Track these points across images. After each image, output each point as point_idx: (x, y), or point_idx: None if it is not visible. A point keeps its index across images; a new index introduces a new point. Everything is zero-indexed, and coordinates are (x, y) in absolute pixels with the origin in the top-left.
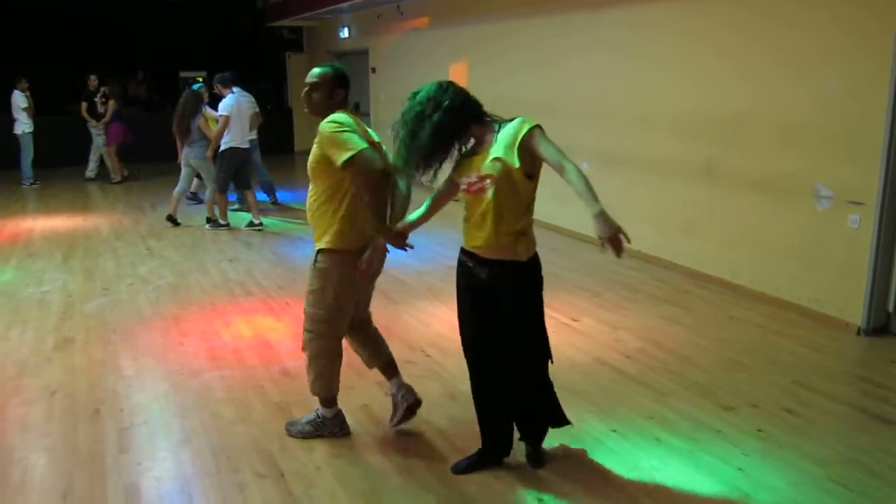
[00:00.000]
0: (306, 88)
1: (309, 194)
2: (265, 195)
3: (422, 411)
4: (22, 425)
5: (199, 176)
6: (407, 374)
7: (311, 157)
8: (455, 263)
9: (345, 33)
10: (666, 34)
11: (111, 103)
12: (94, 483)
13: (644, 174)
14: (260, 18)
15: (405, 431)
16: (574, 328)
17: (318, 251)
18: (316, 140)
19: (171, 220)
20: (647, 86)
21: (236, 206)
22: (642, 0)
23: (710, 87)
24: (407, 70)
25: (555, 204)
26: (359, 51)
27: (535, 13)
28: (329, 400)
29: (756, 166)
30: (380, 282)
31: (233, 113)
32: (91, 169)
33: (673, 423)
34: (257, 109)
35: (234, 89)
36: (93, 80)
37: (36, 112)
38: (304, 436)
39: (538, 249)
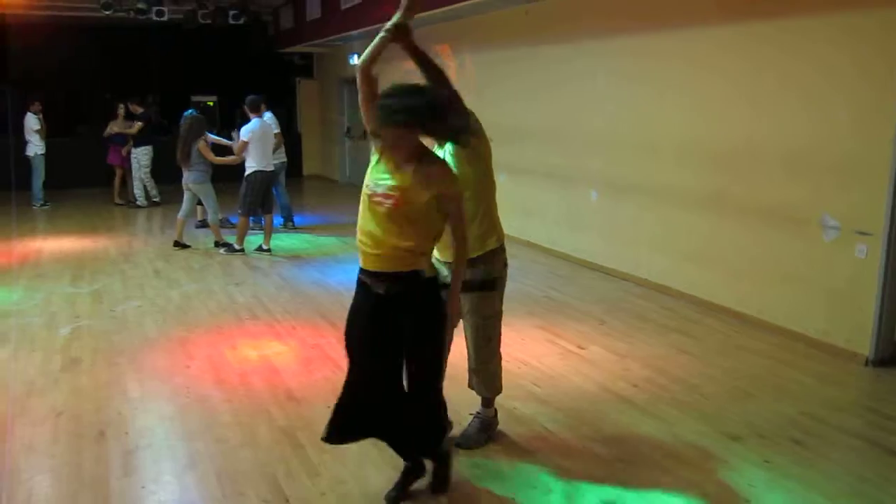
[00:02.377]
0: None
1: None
2: (280, 218)
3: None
4: (28, 446)
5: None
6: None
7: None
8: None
9: (354, 60)
10: (672, 63)
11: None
12: None
13: (651, 202)
14: (271, 44)
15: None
16: (581, 356)
17: (490, 251)
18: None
19: (179, 244)
20: (653, 114)
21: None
22: (649, 29)
23: (716, 115)
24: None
25: (561, 231)
26: None
27: (542, 41)
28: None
29: (762, 195)
30: None
31: (253, 138)
32: (140, 196)
33: (679, 453)
34: (278, 130)
35: (266, 114)
36: (121, 110)
37: (48, 134)
38: (481, 444)
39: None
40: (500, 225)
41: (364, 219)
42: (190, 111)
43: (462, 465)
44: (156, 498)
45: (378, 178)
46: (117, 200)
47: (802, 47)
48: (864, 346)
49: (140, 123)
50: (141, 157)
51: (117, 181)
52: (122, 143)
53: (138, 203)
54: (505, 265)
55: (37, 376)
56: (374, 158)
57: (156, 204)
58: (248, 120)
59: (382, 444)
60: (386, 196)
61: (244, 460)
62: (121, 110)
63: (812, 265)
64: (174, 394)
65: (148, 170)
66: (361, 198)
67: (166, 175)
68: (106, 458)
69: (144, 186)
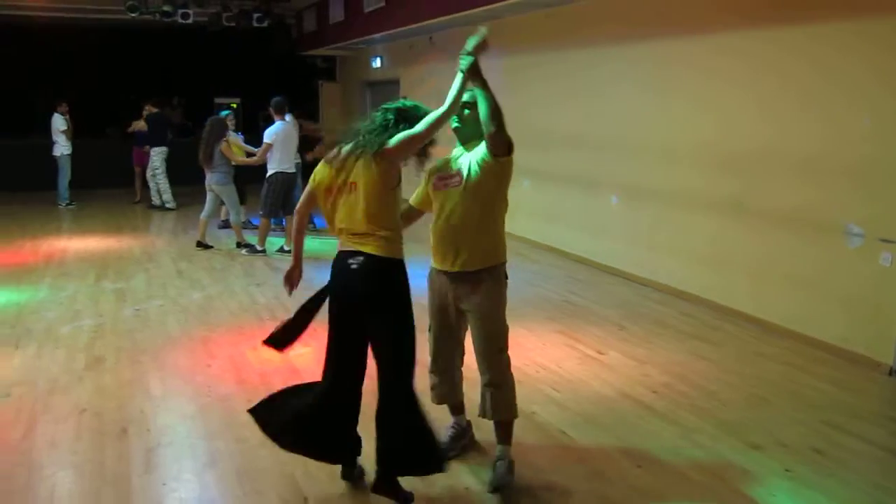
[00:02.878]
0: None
1: (462, 216)
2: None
3: (446, 441)
4: (51, 442)
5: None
6: (430, 405)
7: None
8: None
9: (377, 63)
10: (693, 69)
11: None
12: (121, 502)
13: (671, 208)
14: (294, 47)
15: None
16: (600, 361)
17: (498, 266)
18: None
19: (202, 245)
20: (674, 119)
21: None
22: (670, 35)
23: (736, 121)
24: (437, 99)
25: (581, 235)
26: (390, 80)
27: (564, 46)
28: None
29: (784, 202)
30: None
31: (277, 140)
32: (168, 200)
33: (699, 461)
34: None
35: (287, 116)
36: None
37: (74, 135)
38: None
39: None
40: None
41: None
42: (226, 112)
43: (479, 468)
44: (176, 495)
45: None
46: (137, 199)
47: (822, 54)
48: (886, 354)
49: (140, 122)
50: (154, 159)
51: (138, 181)
52: (143, 144)
53: (153, 203)
54: (506, 278)
55: (60, 374)
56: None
57: (168, 210)
58: (270, 122)
59: None
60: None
61: (263, 459)
62: (145, 111)
63: (834, 272)
64: (195, 393)
65: (159, 171)
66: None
67: (189, 176)
68: (128, 455)
69: (158, 189)
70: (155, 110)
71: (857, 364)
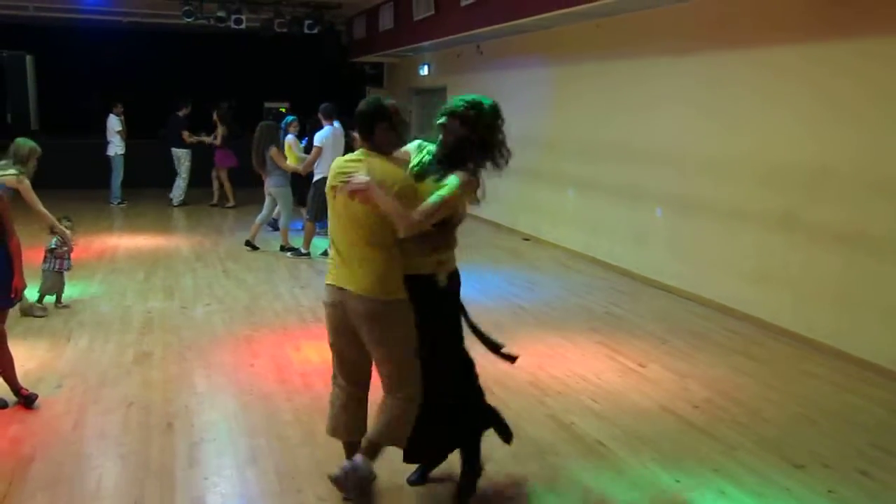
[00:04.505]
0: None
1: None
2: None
3: (485, 449)
4: (100, 433)
5: None
6: None
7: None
8: (521, 302)
9: (425, 70)
10: (743, 82)
11: (221, 129)
12: (164, 494)
13: (716, 222)
14: (344, 54)
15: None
16: (641, 374)
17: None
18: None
19: (250, 245)
20: (723, 133)
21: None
22: (721, 48)
23: (784, 136)
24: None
25: (625, 247)
26: (437, 88)
27: (612, 56)
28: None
29: (840, 218)
30: None
31: (326, 144)
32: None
33: (739, 478)
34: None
35: (335, 122)
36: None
37: (128, 136)
38: None
39: None
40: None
41: None
42: (291, 118)
43: (518, 477)
44: (217, 490)
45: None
46: (214, 202)
47: (880, 68)
48: None
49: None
50: (181, 158)
51: (215, 183)
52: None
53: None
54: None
55: (110, 367)
56: None
57: (183, 204)
58: (319, 127)
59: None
60: None
61: (303, 458)
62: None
63: (883, 290)
64: (238, 390)
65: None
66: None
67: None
68: (172, 448)
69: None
70: (186, 111)
71: None
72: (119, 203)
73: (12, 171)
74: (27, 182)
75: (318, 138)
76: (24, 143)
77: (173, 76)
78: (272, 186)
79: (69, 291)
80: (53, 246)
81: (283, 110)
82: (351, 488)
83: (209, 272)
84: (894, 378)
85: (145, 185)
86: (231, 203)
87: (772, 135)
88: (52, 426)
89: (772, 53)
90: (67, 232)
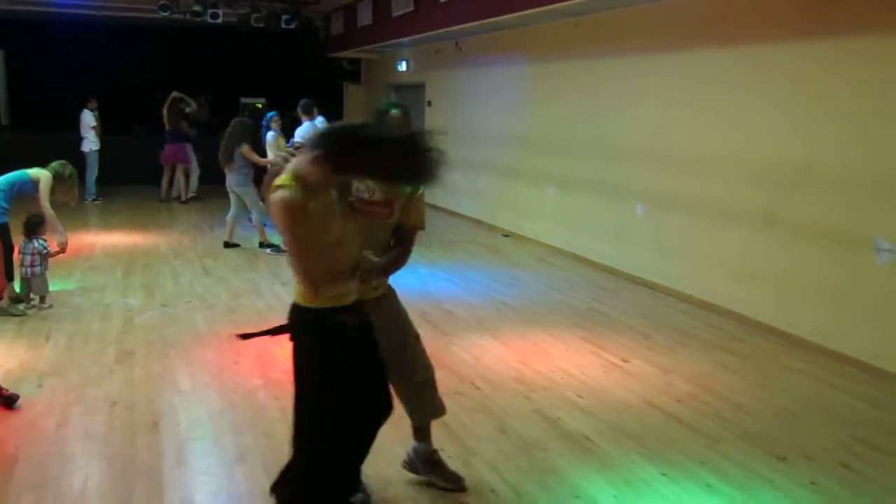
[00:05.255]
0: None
1: (384, 247)
2: None
3: (472, 445)
4: (84, 434)
5: None
6: (457, 406)
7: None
8: (504, 299)
9: (403, 66)
10: (723, 81)
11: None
12: (153, 494)
13: (698, 219)
14: (321, 49)
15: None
16: (624, 369)
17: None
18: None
19: (229, 245)
20: (703, 131)
21: None
22: (702, 46)
23: (766, 134)
24: (462, 104)
25: (606, 244)
26: (416, 84)
27: (592, 55)
28: None
29: (821, 216)
30: (431, 314)
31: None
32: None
33: (724, 470)
34: None
35: (318, 118)
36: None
37: (103, 131)
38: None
39: None
40: None
41: None
42: (272, 113)
43: (506, 472)
44: (207, 489)
45: None
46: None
47: (864, 67)
48: None
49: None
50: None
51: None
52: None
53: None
54: None
55: (91, 366)
56: None
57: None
58: (297, 124)
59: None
60: None
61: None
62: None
63: (868, 289)
64: (223, 389)
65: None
66: None
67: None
68: (159, 448)
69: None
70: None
71: (888, 381)
72: (94, 200)
73: (47, 172)
74: (47, 180)
75: (299, 134)
76: (68, 167)
77: (148, 71)
78: (234, 185)
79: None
80: (46, 250)
81: (260, 106)
82: (421, 468)
83: (188, 270)
84: (875, 373)
85: (120, 182)
86: (185, 197)
87: (754, 132)
88: (35, 426)
89: (754, 50)
90: (65, 236)
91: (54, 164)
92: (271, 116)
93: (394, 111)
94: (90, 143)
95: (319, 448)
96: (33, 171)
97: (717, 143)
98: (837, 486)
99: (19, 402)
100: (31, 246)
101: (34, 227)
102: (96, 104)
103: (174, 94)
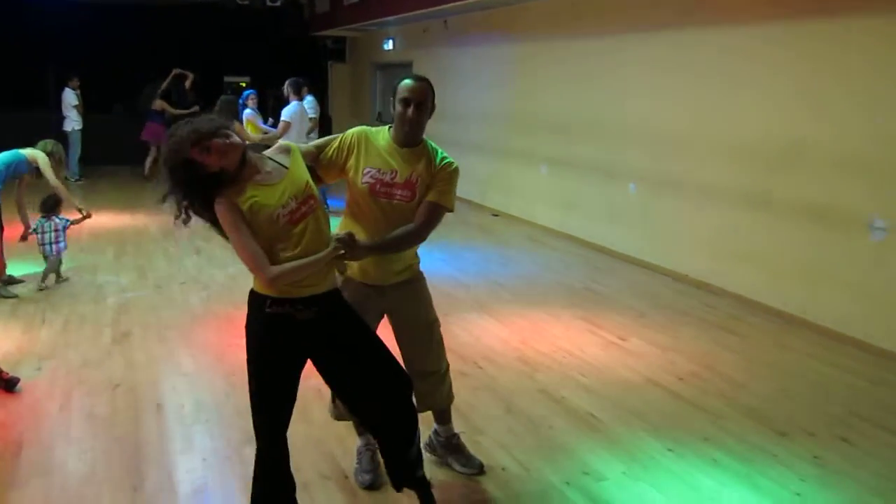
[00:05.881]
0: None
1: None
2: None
3: (480, 424)
4: (88, 416)
5: None
6: (462, 386)
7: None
8: (499, 279)
9: (389, 45)
10: (718, 58)
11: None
12: (163, 478)
13: (694, 198)
14: (305, 28)
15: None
16: (623, 347)
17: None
18: (442, 175)
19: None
20: (697, 109)
21: None
22: (697, 23)
23: (762, 114)
24: (450, 83)
25: (600, 224)
26: (403, 63)
27: (585, 32)
28: None
29: (814, 196)
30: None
31: (294, 120)
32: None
33: (729, 446)
34: (316, 115)
35: (308, 98)
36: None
37: (85, 110)
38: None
39: None
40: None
41: None
42: (249, 91)
43: (515, 450)
44: (217, 471)
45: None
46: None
47: (856, 48)
48: None
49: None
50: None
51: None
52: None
53: None
54: None
55: (89, 348)
56: None
57: None
58: (284, 103)
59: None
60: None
61: (298, 437)
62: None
63: (862, 269)
64: (226, 370)
65: None
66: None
67: None
68: (166, 430)
69: None
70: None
71: (882, 357)
72: (77, 180)
73: (40, 151)
74: (43, 157)
75: (287, 113)
76: (57, 145)
77: (131, 49)
78: None
79: (37, 272)
80: (67, 223)
81: (244, 85)
82: (440, 451)
83: (180, 251)
84: (868, 350)
85: (103, 162)
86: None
87: (743, 113)
88: (38, 410)
89: (750, 28)
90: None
91: (43, 142)
92: (248, 95)
93: (407, 81)
94: (72, 122)
95: (254, 423)
96: (27, 152)
97: (706, 123)
98: (840, 460)
99: (19, 385)
100: (53, 223)
101: (53, 205)
102: (78, 83)
103: (175, 70)
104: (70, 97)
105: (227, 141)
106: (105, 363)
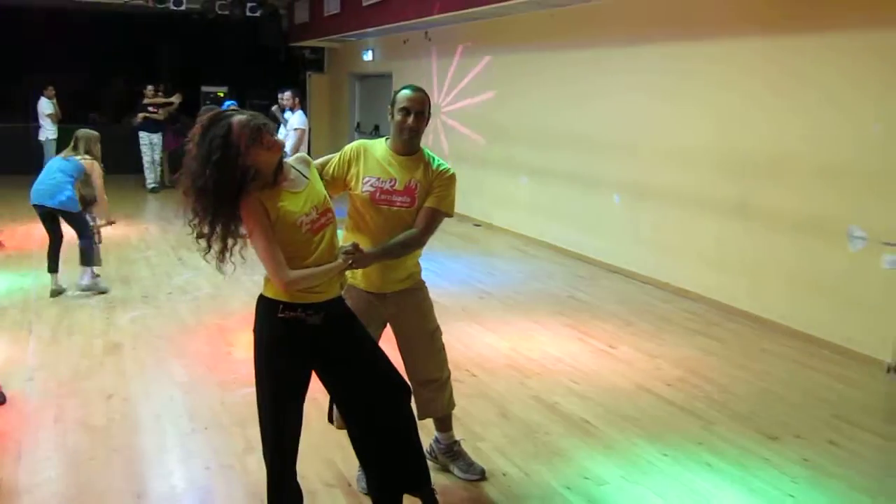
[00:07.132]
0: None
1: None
2: None
3: (477, 430)
4: (84, 427)
5: None
6: (457, 393)
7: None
8: (485, 287)
9: (369, 56)
10: (699, 71)
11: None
12: (166, 486)
13: (675, 208)
14: (284, 38)
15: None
16: (613, 355)
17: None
18: (440, 181)
19: None
20: (677, 121)
21: None
22: (677, 37)
23: (743, 124)
24: (430, 94)
25: (582, 233)
26: (382, 74)
27: (568, 45)
28: None
29: (792, 205)
30: None
31: (307, 127)
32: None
33: (721, 450)
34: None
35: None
36: (149, 91)
37: (61, 120)
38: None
39: None
40: None
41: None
42: (231, 102)
43: (514, 456)
44: (221, 479)
45: None
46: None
47: (834, 61)
48: (886, 353)
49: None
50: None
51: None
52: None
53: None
54: None
55: (80, 359)
56: None
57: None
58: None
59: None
60: None
61: (300, 444)
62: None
63: (840, 275)
64: (221, 379)
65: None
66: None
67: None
68: (165, 439)
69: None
70: None
71: (860, 362)
72: None
73: (87, 156)
74: (99, 167)
75: (300, 121)
76: (85, 132)
77: (109, 58)
78: None
79: (22, 282)
80: (95, 221)
81: (222, 94)
82: (441, 457)
83: (164, 261)
84: (846, 354)
85: None
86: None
87: (727, 124)
88: (33, 421)
89: (728, 44)
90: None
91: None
92: (229, 105)
93: (406, 91)
94: (47, 131)
95: (263, 431)
96: (79, 157)
97: (692, 134)
98: (829, 462)
99: (9, 397)
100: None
101: (89, 203)
102: (54, 92)
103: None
104: (45, 106)
105: (275, 138)
106: (97, 374)
